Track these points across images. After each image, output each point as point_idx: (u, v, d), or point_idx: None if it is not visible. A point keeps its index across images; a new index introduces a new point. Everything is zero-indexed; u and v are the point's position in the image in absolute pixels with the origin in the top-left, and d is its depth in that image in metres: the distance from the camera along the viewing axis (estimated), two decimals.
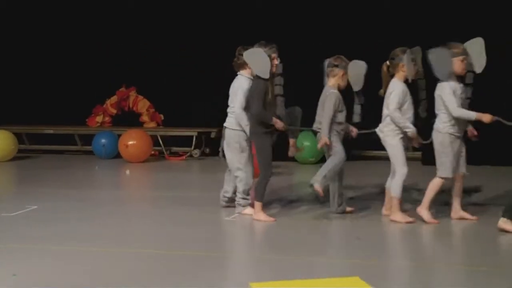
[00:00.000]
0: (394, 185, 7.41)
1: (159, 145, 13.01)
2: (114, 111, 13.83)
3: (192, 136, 12.93)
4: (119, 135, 12.53)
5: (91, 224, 7.49)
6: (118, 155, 12.49)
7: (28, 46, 14.00)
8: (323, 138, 7.52)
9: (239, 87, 7.77)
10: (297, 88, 11.71)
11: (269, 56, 7.51)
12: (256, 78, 7.56)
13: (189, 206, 8.48)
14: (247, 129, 7.68)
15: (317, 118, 7.69)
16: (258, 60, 7.53)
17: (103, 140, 12.70)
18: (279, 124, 7.49)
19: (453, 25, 10.95)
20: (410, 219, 7.36)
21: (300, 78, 11.69)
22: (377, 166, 11.62)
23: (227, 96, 12.65)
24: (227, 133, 7.87)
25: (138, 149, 12.20)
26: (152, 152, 12.82)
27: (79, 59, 13.77)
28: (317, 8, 12.39)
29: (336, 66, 7.59)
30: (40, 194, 9.19)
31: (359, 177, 10.47)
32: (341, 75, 7.59)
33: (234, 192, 8.02)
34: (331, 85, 7.62)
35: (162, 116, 13.69)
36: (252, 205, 7.76)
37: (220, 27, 12.93)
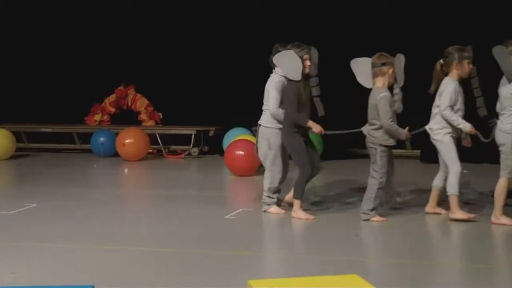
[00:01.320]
0: (450, 183, 7.27)
1: (158, 144, 13.01)
2: (113, 109, 13.82)
3: (190, 135, 12.92)
4: (118, 134, 12.53)
5: (90, 222, 7.49)
6: (116, 154, 12.48)
7: (26, 44, 13.99)
8: (406, 132, 7.40)
9: (271, 87, 7.76)
10: None
11: (301, 57, 7.46)
12: (289, 80, 7.52)
13: (188, 205, 8.48)
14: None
15: (370, 121, 7.47)
16: (289, 62, 7.49)
17: (101, 139, 12.70)
18: (316, 128, 7.47)
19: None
20: (472, 215, 7.28)
21: None
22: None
23: (227, 95, 12.79)
24: (260, 130, 7.90)
25: (135, 147, 12.20)
26: (151, 151, 12.82)
27: (77, 57, 13.76)
28: (317, 8, 12.37)
29: (384, 64, 7.35)
30: (38, 193, 9.19)
31: (357, 175, 10.48)
32: (390, 73, 7.39)
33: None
34: (380, 85, 7.37)
35: (160, 115, 13.69)
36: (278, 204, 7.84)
37: (218, 25, 12.93)
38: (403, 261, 6.00)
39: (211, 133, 12.95)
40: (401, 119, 7.50)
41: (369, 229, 7.10)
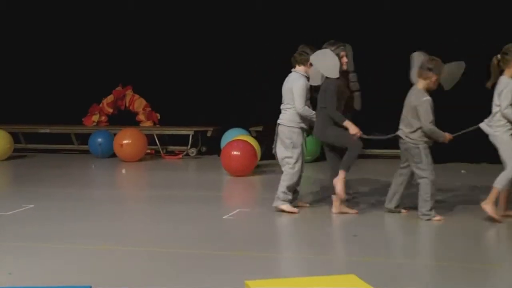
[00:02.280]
0: (501, 177, 7.19)
1: (156, 144, 13.00)
2: (111, 110, 13.81)
3: (188, 135, 12.92)
4: (115, 134, 12.51)
5: (88, 223, 7.48)
6: (114, 154, 12.47)
7: (24, 45, 13.98)
8: (447, 136, 7.40)
9: (294, 85, 7.76)
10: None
11: (338, 55, 7.48)
12: (330, 80, 7.50)
13: (186, 205, 8.48)
14: (315, 117, 7.71)
15: (403, 122, 7.47)
16: (327, 60, 7.49)
17: (99, 139, 12.69)
18: (353, 129, 7.47)
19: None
20: (499, 216, 7.25)
21: None
22: (376, 165, 11.64)
23: (224, 95, 12.79)
24: (280, 129, 7.88)
25: (133, 148, 12.18)
26: (149, 151, 12.81)
27: (75, 58, 13.75)
28: (316, 8, 12.36)
29: (430, 70, 7.33)
30: (36, 193, 9.18)
31: (354, 175, 10.47)
32: (434, 80, 7.35)
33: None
34: (421, 87, 7.37)
35: (158, 115, 13.68)
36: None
37: (216, 26, 12.93)
38: (401, 261, 6.00)
39: (209, 134, 12.94)
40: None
41: (367, 229, 7.10)
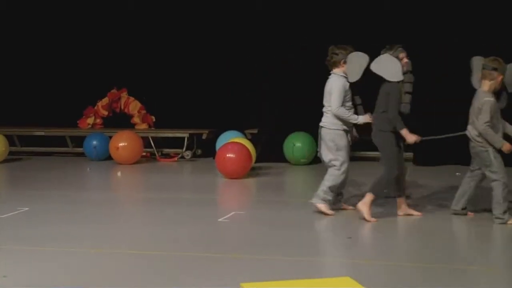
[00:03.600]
0: None
1: (151, 147, 13.00)
2: (106, 112, 13.80)
3: (183, 138, 12.91)
4: (111, 137, 12.50)
5: (83, 225, 7.47)
6: (109, 157, 12.46)
7: (18, 48, 13.96)
8: (507, 145, 7.29)
9: (333, 86, 7.74)
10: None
11: (397, 57, 7.45)
12: (391, 83, 7.44)
13: (181, 208, 8.47)
14: (352, 118, 7.69)
15: (471, 126, 7.38)
16: (388, 66, 7.45)
17: (94, 142, 12.67)
18: (410, 137, 7.41)
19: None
20: None
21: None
22: (367, 167, 11.64)
23: (220, 98, 12.79)
24: (323, 132, 7.84)
25: (129, 151, 12.17)
26: (144, 154, 12.80)
27: (70, 60, 13.74)
28: (316, 9, 12.35)
29: (496, 69, 7.26)
30: (31, 196, 9.16)
31: (350, 178, 10.48)
32: (499, 80, 7.29)
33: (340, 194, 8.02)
34: (487, 90, 7.30)
35: (153, 118, 13.67)
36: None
37: (211, 28, 12.93)
38: (396, 263, 6.00)
39: (204, 136, 12.94)
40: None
41: (362, 231, 7.10)
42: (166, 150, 13.26)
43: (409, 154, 11.87)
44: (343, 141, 7.76)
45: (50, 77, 13.83)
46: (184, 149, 12.89)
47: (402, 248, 6.76)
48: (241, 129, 12.31)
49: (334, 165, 7.77)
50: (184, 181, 11.44)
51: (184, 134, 12.90)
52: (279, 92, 12.20)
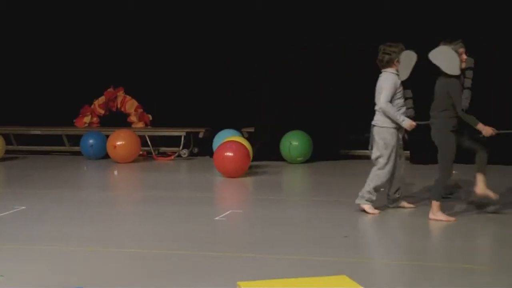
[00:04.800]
0: None
1: (147, 146, 12.99)
2: (102, 111, 13.79)
3: (180, 136, 12.91)
4: (107, 136, 12.50)
5: (79, 224, 7.47)
6: (106, 156, 12.46)
7: (14, 47, 13.94)
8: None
9: (384, 83, 7.71)
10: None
11: (457, 51, 7.41)
12: (446, 76, 7.39)
13: (177, 206, 8.48)
14: (398, 117, 7.62)
15: None
16: (446, 58, 7.40)
17: (91, 141, 12.66)
18: (487, 131, 7.34)
19: None
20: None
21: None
22: (363, 165, 11.66)
23: (216, 96, 12.79)
24: (375, 130, 7.79)
25: (126, 149, 12.17)
26: (141, 153, 12.80)
27: (66, 59, 13.72)
28: (315, 9, 12.34)
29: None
30: (28, 195, 9.16)
31: (347, 176, 10.51)
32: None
33: (396, 191, 7.95)
34: None
35: (150, 116, 13.67)
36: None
37: (208, 27, 12.93)
38: (393, 262, 6.01)
39: (200, 135, 12.94)
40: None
41: (358, 230, 7.11)
42: (162, 149, 13.26)
43: (406, 153, 11.89)
44: (393, 139, 7.69)
45: (46, 75, 13.82)
46: (181, 147, 12.89)
47: (398, 246, 6.77)
48: (238, 127, 12.31)
49: (379, 163, 7.72)
50: (181, 179, 11.44)
51: (181, 132, 12.90)
52: (276, 90, 12.20)
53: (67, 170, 11.79)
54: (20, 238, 6.80)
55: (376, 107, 7.82)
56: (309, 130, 11.85)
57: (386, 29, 11.63)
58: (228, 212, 8.06)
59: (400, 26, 11.52)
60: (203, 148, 12.91)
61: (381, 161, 7.72)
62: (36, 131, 13.62)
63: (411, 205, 7.99)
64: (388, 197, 8.00)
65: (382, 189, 7.89)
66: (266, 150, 12.03)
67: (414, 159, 11.56)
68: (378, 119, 7.78)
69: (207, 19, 12.94)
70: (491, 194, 7.55)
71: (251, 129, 12.47)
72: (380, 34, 11.68)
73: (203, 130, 12.87)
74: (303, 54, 12.06)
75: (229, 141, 10.70)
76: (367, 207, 7.72)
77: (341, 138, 12.35)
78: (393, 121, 7.68)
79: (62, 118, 13.74)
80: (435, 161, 10.94)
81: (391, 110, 7.65)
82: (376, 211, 7.72)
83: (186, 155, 12.87)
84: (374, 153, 7.80)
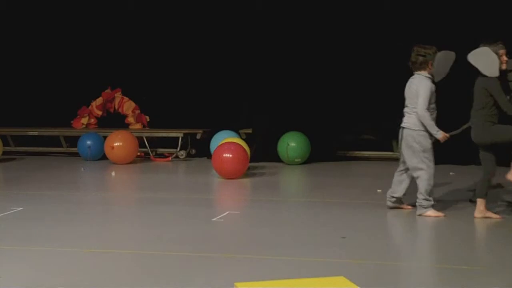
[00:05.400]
0: None
1: (145, 147, 12.99)
2: (100, 112, 13.79)
3: (178, 137, 12.90)
4: (105, 137, 12.49)
5: (77, 225, 7.47)
6: (104, 157, 12.45)
7: (12, 48, 13.93)
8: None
9: (420, 86, 7.58)
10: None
11: (497, 53, 7.36)
12: (486, 78, 7.34)
13: (175, 207, 8.47)
14: (433, 128, 7.54)
15: None
16: (485, 59, 7.35)
17: (88, 142, 12.66)
18: None
19: None
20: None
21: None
22: (360, 167, 11.67)
23: (214, 98, 12.78)
24: (406, 133, 7.69)
25: (124, 150, 12.16)
26: (138, 154, 12.79)
27: (64, 60, 13.71)
28: (314, 9, 12.34)
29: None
30: (25, 196, 9.16)
31: (344, 177, 10.51)
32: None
33: (404, 194, 7.88)
34: None
35: (147, 118, 13.67)
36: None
37: (205, 28, 12.92)
38: (390, 263, 6.01)
39: (198, 136, 12.94)
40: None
41: (356, 231, 7.11)
42: (160, 150, 13.26)
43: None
44: (428, 142, 7.61)
45: (44, 77, 13.80)
46: (178, 148, 12.88)
47: (396, 247, 6.77)
48: (235, 129, 12.31)
49: (422, 169, 7.58)
50: (179, 181, 11.44)
51: (178, 134, 12.90)
52: (273, 92, 12.20)
53: (65, 171, 11.78)
54: (17, 239, 6.79)
55: (407, 109, 7.71)
56: (306, 131, 11.85)
57: (386, 29, 11.66)
58: (226, 213, 8.06)
59: (400, 26, 11.54)
60: (200, 149, 12.91)
61: (423, 166, 7.59)
62: (34, 132, 13.61)
63: (409, 207, 7.97)
64: (391, 197, 7.94)
65: (433, 194, 7.74)
66: (263, 151, 12.03)
67: None
68: (410, 122, 7.67)
69: (205, 20, 12.94)
70: None
71: (249, 130, 12.47)
72: (380, 34, 11.75)
73: (201, 131, 12.87)
74: (300, 55, 12.06)
75: (228, 143, 10.69)
76: (430, 212, 7.59)
77: (338, 139, 12.35)
78: (422, 125, 7.58)
79: (60, 119, 13.73)
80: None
81: (428, 119, 7.53)
82: (441, 214, 7.61)
83: (183, 156, 12.86)
84: (411, 160, 7.65)
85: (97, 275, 5.64)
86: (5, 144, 13.14)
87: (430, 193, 7.61)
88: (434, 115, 7.64)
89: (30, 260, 6.08)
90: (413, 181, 7.71)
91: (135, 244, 6.70)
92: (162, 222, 7.66)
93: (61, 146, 13.68)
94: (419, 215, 7.61)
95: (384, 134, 11.76)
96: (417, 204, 7.65)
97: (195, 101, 13.03)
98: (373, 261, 6.02)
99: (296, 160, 11.85)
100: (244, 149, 10.53)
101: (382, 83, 11.30)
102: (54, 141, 13.69)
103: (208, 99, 12.91)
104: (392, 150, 11.97)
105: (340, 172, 11.18)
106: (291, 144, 11.79)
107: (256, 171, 11.07)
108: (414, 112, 7.61)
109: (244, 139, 11.76)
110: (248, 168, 10.91)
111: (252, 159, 11.24)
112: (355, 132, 12.24)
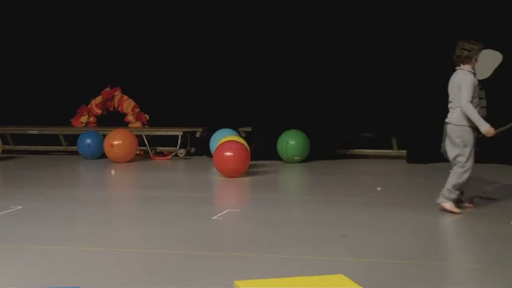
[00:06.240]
0: None
1: (145, 145, 12.99)
2: (99, 111, 13.79)
3: (177, 136, 12.91)
4: (104, 135, 12.50)
5: (76, 224, 7.47)
6: (103, 155, 12.45)
7: (11, 46, 13.93)
8: None
9: (463, 80, 7.54)
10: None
11: None
12: None
13: (175, 206, 8.47)
14: (478, 120, 7.47)
15: None
16: None
17: (88, 140, 12.66)
18: None
19: None
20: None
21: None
22: (359, 164, 11.67)
23: (212, 95, 12.79)
24: (450, 128, 7.67)
25: (124, 149, 12.16)
26: (138, 152, 12.79)
27: (63, 59, 13.71)
28: (313, 9, 12.33)
29: None
30: (25, 195, 9.16)
31: (344, 176, 10.51)
32: None
33: (462, 193, 7.83)
34: None
35: (147, 116, 13.67)
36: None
37: (204, 27, 12.92)
38: (390, 261, 6.01)
39: (198, 134, 12.94)
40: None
41: (356, 229, 7.11)
42: (159, 148, 13.26)
43: (403, 152, 11.91)
44: (471, 137, 7.57)
45: (43, 75, 13.81)
46: (178, 147, 12.88)
47: (396, 245, 6.77)
48: (235, 127, 12.31)
49: (459, 162, 7.60)
50: (178, 179, 11.43)
51: (178, 132, 12.90)
52: (273, 90, 12.21)
53: (64, 170, 11.79)
54: (17, 238, 6.79)
55: (452, 104, 7.69)
56: (306, 129, 11.85)
57: (386, 29, 11.66)
58: (225, 211, 8.06)
59: (400, 26, 11.54)
60: (200, 148, 12.90)
61: (461, 159, 7.59)
62: (33, 131, 13.62)
63: (470, 205, 7.92)
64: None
65: (462, 189, 7.74)
66: (263, 150, 12.03)
67: (410, 159, 11.55)
68: (454, 117, 7.64)
69: (205, 18, 12.94)
70: None
71: (248, 129, 12.47)
72: (380, 34, 11.75)
73: (200, 129, 12.87)
74: (300, 53, 12.06)
75: (229, 141, 10.68)
76: (448, 205, 7.61)
77: (338, 137, 12.36)
78: (470, 120, 7.55)
79: (59, 117, 13.73)
80: (433, 161, 10.96)
81: (473, 111, 7.48)
82: (458, 210, 7.61)
83: (183, 155, 12.87)
84: (452, 152, 7.65)
85: (97, 274, 5.64)
86: (5, 142, 13.15)
87: (459, 187, 7.62)
88: (477, 110, 7.55)
89: (30, 259, 6.09)
90: (471, 178, 7.67)
91: (135, 242, 6.71)
92: (161, 220, 7.66)
93: (60, 144, 13.69)
94: (438, 203, 7.63)
95: (384, 132, 11.76)
96: (440, 193, 7.66)
97: (194, 100, 13.03)
98: (373, 259, 6.02)
99: (296, 158, 11.84)
100: (246, 148, 10.53)
101: (381, 82, 11.31)
102: (53, 139, 13.69)
103: (207, 97, 12.91)
104: (391, 148, 11.98)
105: (340, 170, 11.17)
106: (291, 142, 11.78)
107: (255, 169, 11.08)
108: (457, 106, 7.59)
109: (243, 137, 11.75)
110: (250, 166, 10.91)
111: (252, 157, 11.24)
112: (355, 130, 12.24)
